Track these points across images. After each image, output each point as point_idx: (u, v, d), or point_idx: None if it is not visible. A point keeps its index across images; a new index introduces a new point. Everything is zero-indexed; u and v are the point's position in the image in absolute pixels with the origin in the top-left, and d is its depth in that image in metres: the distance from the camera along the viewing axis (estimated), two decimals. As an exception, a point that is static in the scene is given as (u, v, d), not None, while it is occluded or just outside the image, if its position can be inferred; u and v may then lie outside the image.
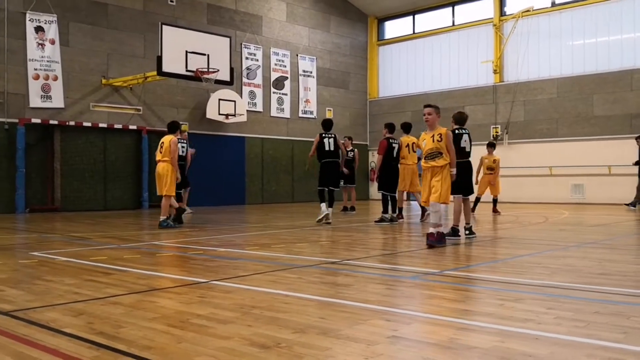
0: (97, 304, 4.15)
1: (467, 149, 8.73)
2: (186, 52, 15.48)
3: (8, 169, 15.14)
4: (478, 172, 13.93)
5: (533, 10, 20.88)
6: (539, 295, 4.45)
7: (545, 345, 3.04)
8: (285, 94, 21.81)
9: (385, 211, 11.62)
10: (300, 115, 22.27)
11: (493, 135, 21.05)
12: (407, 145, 11.84)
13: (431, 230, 7.40)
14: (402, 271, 5.73)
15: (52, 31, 15.91)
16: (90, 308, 4.01)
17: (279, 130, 21.55)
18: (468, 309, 4.04)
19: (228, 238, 9.12)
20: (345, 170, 12.80)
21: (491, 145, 14.53)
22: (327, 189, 11.59)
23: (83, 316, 3.76)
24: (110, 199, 17.01)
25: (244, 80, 20.39)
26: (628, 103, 18.74)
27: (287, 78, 21.83)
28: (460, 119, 8.86)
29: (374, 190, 22.75)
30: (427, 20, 23.98)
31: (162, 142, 10.57)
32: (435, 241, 7.33)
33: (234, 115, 19.11)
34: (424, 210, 11.81)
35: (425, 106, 7.61)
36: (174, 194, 10.67)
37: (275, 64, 21.50)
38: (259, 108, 20.89)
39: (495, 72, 21.53)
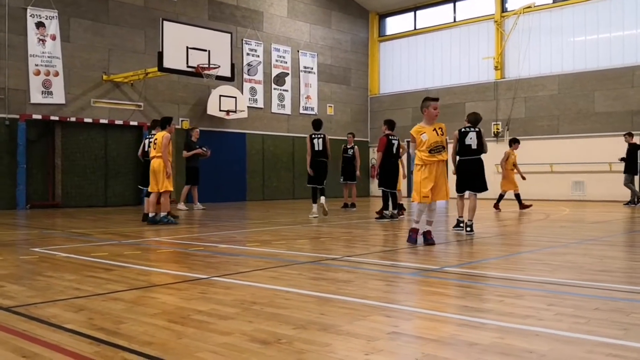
0: (98, 299, 4.16)
1: (473, 147, 8.89)
2: (187, 48, 15.46)
3: (9, 164, 15.14)
4: (503, 167, 14.42)
5: (534, 6, 20.83)
6: (540, 291, 4.45)
7: (545, 342, 3.04)
8: (286, 90, 21.79)
9: (385, 208, 11.62)
10: (301, 111, 22.26)
11: (494, 132, 21.03)
12: None
13: (428, 228, 7.38)
14: (402, 267, 5.74)
15: (52, 27, 15.89)
16: (91, 304, 4.02)
17: (280, 126, 21.54)
18: (468, 305, 4.04)
19: (229, 234, 9.13)
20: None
21: (516, 141, 14.67)
22: (318, 187, 12.08)
23: (84, 312, 3.77)
24: (111, 195, 17.02)
25: (245, 76, 20.38)
26: (629, 100, 18.71)
27: (288, 74, 21.81)
28: (475, 120, 9.12)
29: (374, 187, 22.74)
30: (428, 16, 23.94)
31: (156, 138, 10.59)
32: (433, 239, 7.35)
33: (235, 111, 19.10)
34: (399, 206, 12.10)
35: (435, 99, 7.49)
36: (171, 189, 10.68)
37: (276, 60, 21.48)
38: (260, 104, 20.89)
39: (496, 68, 21.50)
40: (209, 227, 10.42)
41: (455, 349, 2.95)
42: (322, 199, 12.00)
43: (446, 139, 7.41)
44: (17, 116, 15.22)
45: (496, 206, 14.28)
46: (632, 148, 16.07)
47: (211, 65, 15.88)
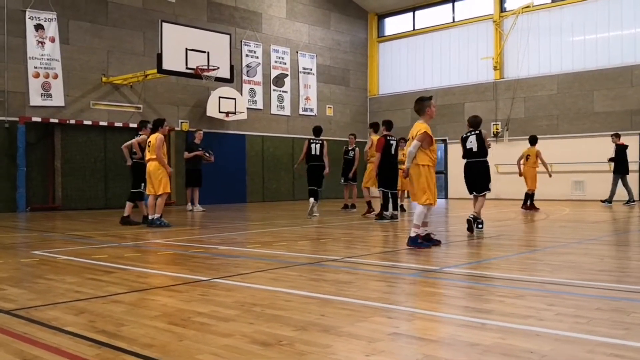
0: (99, 302, 4.15)
1: (474, 149, 9.19)
2: (186, 49, 15.46)
3: (8, 167, 15.13)
4: (519, 165, 14.60)
5: (533, 6, 20.84)
6: (540, 291, 4.45)
7: (546, 342, 3.04)
8: (286, 92, 21.79)
9: (385, 208, 11.63)
10: (301, 112, 22.26)
11: (493, 132, 21.03)
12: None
13: (428, 230, 7.36)
14: (403, 268, 5.74)
15: (52, 29, 15.89)
16: (91, 306, 4.01)
17: (280, 127, 21.54)
18: (469, 305, 4.04)
19: (229, 236, 9.13)
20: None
21: (533, 140, 14.88)
22: (315, 189, 12.89)
23: (84, 314, 3.77)
24: (111, 197, 17.00)
25: (244, 77, 20.37)
26: (628, 99, 18.72)
27: (287, 75, 21.81)
28: (475, 122, 9.36)
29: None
30: (427, 17, 23.94)
31: (149, 141, 10.61)
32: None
33: (234, 113, 19.09)
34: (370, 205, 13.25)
35: (431, 98, 7.48)
36: (169, 191, 10.68)
37: (275, 61, 21.48)
38: (259, 105, 20.88)
39: (495, 68, 21.50)
40: (209, 229, 10.42)
41: (456, 349, 2.95)
42: (311, 200, 12.69)
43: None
44: (17, 119, 15.21)
45: (531, 207, 14.29)
46: (620, 149, 16.20)
47: (210, 67, 15.88)
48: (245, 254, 6.92)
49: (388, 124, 11.80)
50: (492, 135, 20.84)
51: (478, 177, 9.17)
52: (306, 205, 13.24)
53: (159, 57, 15.06)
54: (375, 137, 12.79)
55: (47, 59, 15.81)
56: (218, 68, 15.99)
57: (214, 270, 5.60)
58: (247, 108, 19.95)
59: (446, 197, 22.38)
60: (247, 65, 20.50)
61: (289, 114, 21.83)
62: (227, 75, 16.47)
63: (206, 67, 15.81)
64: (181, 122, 18.56)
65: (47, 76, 15.80)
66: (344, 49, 24.04)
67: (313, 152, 12.87)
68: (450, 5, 23.20)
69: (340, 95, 23.88)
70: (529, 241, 8.12)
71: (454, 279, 5.11)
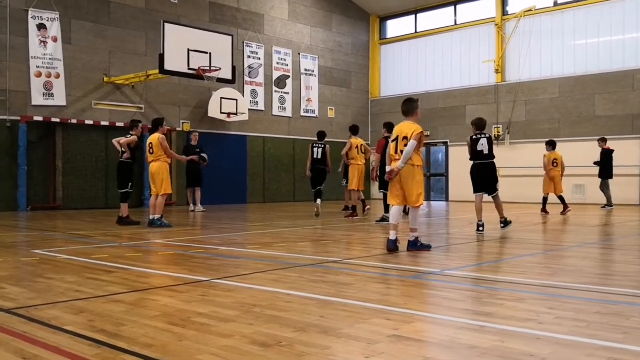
0: (99, 301, 4.16)
1: (485, 152, 9.40)
2: (188, 50, 15.47)
3: (10, 166, 15.15)
4: (548, 171, 14.31)
5: (535, 9, 20.84)
6: (540, 295, 4.45)
7: (545, 345, 3.04)
8: (287, 93, 21.80)
9: (387, 210, 11.62)
10: (302, 114, 22.27)
11: (494, 135, 21.03)
12: (357, 147, 13.02)
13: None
14: (402, 270, 5.74)
15: (54, 28, 15.91)
16: (91, 306, 4.02)
17: (281, 129, 21.55)
18: (468, 308, 4.04)
19: (229, 236, 9.13)
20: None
21: (550, 144, 14.65)
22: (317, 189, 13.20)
23: (84, 314, 3.77)
24: (112, 197, 16.98)
25: (246, 78, 20.39)
26: (630, 103, 18.72)
27: (288, 76, 21.83)
28: (482, 124, 9.57)
29: (374, 189, 22.73)
30: (428, 19, 23.96)
31: (150, 142, 10.65)
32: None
33: (236, 113, 19.11)
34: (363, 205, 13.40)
35: (417, 101, 7.74)
36: (170, 191, 10.72)
37: (277, 63, 21.50)
38: (261, 107, 20.90)
39: (496, 71, 21.51)
40: (210, 229, 10.42)
41: (455, 352, 2.95)
42: (318, 201, 12.87)
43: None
44: (18, 118, 15.23)
45: (543, 210, 14.14)
46: (606, 153, 16.21)
47: (212, 68, 15.89)
48: (245, 254, 6.93)
49: (389, 126, 11.79)
50: (493, 137, 20.84)
51: (488, 178, 9.43)
52: (306, 206, 13.29)
53: (161, 57, 15.08)
54: (354, 140, 13.05)
55: (49, 59, 15.83)
56: (220, 69, 16.01)
57: (214, 270, 5.60)
58: (249, 109, 19.97)
59: (447, 199, 22.37)
60: (249, 66, 20.51)
61: (290, 115, 21.84)
62: (229, 76, 16.49)
63: (208, 68, 15.82)
64: (182, 123, 18.57)
65: (49, 75, 15.82)
66: (345, 50, 24.06)
67: (315, 156, 13.18)
68: (452, 8, 23.21)
69: (342, 96, 23.89)
70: (528, 244, 8.11)
71: (454, 282, 5.11)
